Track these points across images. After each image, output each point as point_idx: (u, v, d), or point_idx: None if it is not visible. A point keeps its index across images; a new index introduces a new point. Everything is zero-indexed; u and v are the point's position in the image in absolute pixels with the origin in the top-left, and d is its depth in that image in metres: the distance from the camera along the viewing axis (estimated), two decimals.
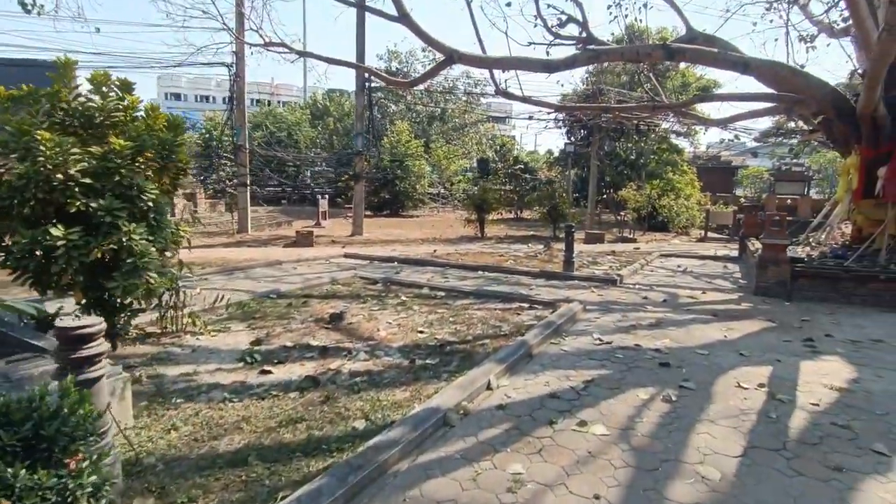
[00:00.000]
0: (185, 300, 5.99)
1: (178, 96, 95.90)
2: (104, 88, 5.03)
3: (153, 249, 4.75)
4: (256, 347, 5.42)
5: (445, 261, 12.22)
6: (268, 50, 11.88)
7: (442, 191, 41.15)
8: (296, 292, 8.31)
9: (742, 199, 38.31)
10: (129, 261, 4.54)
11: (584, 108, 14.01)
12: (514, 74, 11.90)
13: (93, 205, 4.37)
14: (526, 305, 7.64)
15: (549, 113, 18.47)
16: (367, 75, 17.16)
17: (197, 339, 5.72)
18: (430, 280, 9.85)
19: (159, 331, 5.88)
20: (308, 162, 36.47)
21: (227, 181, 38.85)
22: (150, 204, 4.88)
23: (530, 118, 18.16)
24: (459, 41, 10.47)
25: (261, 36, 11.86)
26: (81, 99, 4.98)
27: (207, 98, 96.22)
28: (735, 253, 15.13)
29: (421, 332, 6.11)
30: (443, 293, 8.45)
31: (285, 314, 6.87)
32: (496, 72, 11.52)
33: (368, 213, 34.26)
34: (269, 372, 4.71)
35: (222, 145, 20.26)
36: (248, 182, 17.85)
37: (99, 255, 4.35)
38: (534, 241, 17.72)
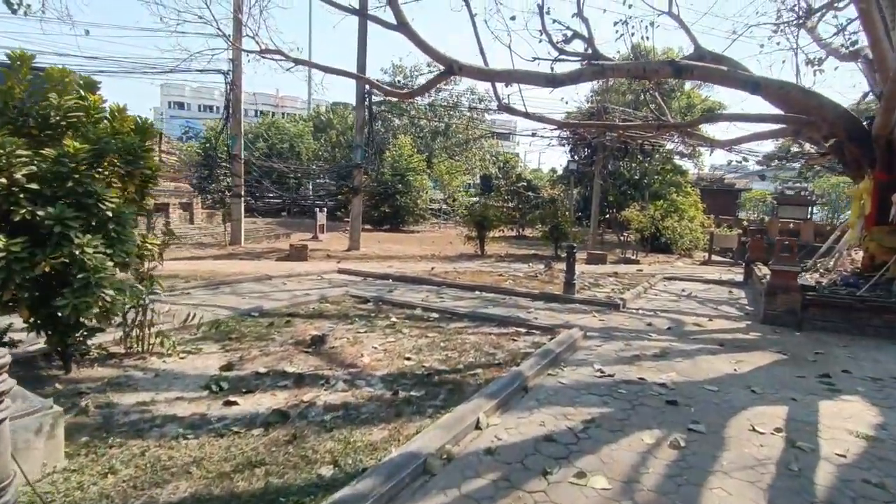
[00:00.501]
0: (154, 318, 5.55)
1: (181, 105, 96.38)
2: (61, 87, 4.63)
3: (110, 264, 4.33)
4: (226, 373, 4.97)
5: (442, 279, 11.78)
6: (263, 57, 11.55)
7: (444, 206, 40.82)
8: (280, 310, 7.87)
9: (745, 222, 37.94)
10: (80, 276, 4.12)
11: (588, 126, 13.66)
12: (517, 89, 11.55)
13: (40, 213, 3.95)
14: (523, 330, 7.19)
15: (552, 129, 18.15)
16: (367, 87, 16.87)
17: (164, 361, 5.27)
18: (425, 300, 9.41)
19: (123, 351, 5.43)
20: (307, 174, 36.15)
21: (227, 191, 38.66)
22: (110, 214, 4.46)
23: (533, 135, 17.85)
24: (461, 55, 10.16)
25: (257, 42, 11.53)
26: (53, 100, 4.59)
27: (211, 107, 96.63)
28: (740, 277, 14.68)
29: (408, 358, 5.65)
30: (436, 315, 8.00)
31: (264, 335, 6.42)
32: (499, 86, 11.20)
33: (368, 227, 33.92)
34: (235, 403, 4.25)
35: (220, 155, 19.92)
36: (242, 193, 17.44)
37: (46, 269, 3.93)
38: (535, 261, 17.28)
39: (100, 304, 4.29)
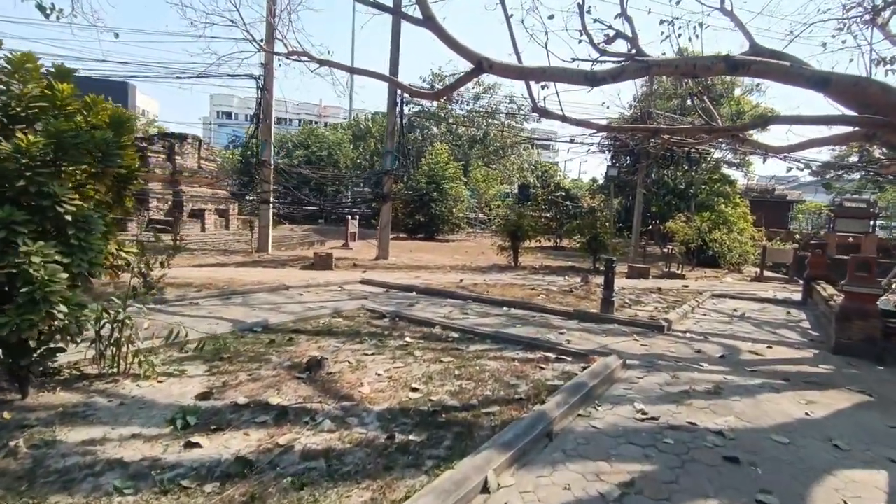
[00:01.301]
0: (134, 335, 4.94)
1: (229, 115, 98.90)
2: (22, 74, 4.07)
3: (64, 276, 3.71)
4: (201, 403, 4.30)
5: (469, 293, 11.00)
6: (290, 59, 11.07)
7: (481, 215, 40.03)
8: (287, 325, 7.22)
9: (797, 235, 35.91)
10: (24, 290, 3.51)
11: (631, 129, 12.69)
12: (553, 91, 10.73)
13: None
14: (552, 356, 6.33)
15: (591, 134, 17.17)
16: (399, 92, 16.29)
17: (137, 385, 4.64)
18: (447, 316, 8.64)
19: (97, 372, 4.83)
20: (336, 180, 35.92)
21: (287, 199, 38.78)
22: (69, 218, 3.86)
23: (571, 141, 16.94)
24: (494, 56, 9.36)
25: (284, 45, 11.09)
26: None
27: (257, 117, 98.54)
28: (797, 296, 13.41)
29: (415, 389, 4.88)
30: (456, 335, 7.21)
31: (260, 355, 5.76)
32: (534, 88, 10.40)
33: (403, 235, 33.42)
34: (198, 445, 3.56)
35: (258, 161, 19.60)
36: (271, 199, 17.05)
37: None
38: (571, 273, 16.31)
39: (49, 322, 3.68)
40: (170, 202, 25.49)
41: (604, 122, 21.28)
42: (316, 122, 71.48)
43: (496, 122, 43.72)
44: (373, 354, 5.98)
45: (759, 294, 13.66)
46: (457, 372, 5.47)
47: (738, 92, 29.07)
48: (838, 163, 23.64)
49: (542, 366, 5.90)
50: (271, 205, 17.16)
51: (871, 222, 35.50)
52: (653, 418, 4.58)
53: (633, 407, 4.83)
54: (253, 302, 9.05)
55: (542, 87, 10.60)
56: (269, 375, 5.08)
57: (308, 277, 12.35)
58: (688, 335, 8.15)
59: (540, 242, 28.85)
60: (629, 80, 8.87)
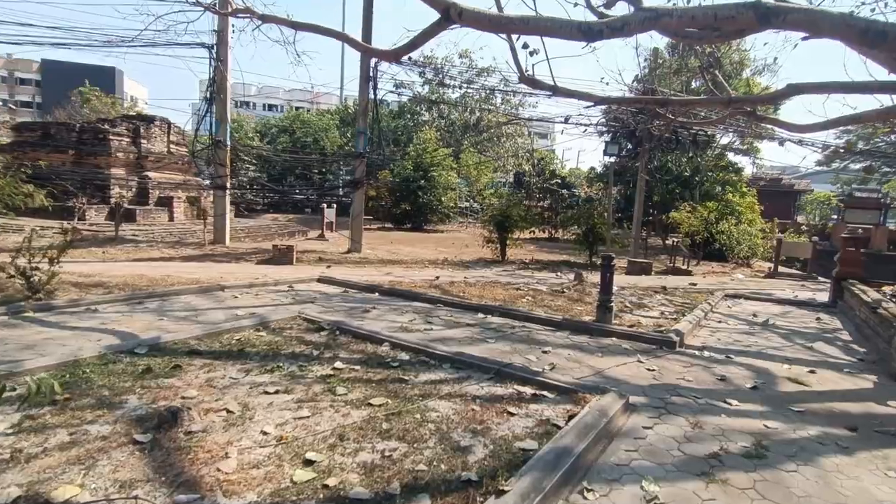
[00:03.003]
0: None
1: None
2: None
3: None
4: None
5: (441, 294, 9.34)
6: (230, 16, 9.34)
7: (473, 205, 38.28)
8: (186, 344, 5.52)
9: (803, 227, 34.31)
10: None
11: (634, 102, 10.99)
12: (543, 59, 9.00)
13: None
14: (528, 392, 4.65)
15: (586, 107, 15.33)
16: (373, 64, 14.53)
17: None
18: (406, 326, 6.96)
19: None
20: (323, 165, 34.12)
21: (248, 186, 37.00)
22: None
23: (566, 120, 15.19)
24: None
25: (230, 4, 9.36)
26: None
27: (247, 103, 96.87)
28: (821, 296, 11.80)
29: (310, 462, 3.20)
30: (406, 356, 5.52)
31: (115, 395, 4.07)
32: (521, 55, 8.67)
33: (389, 225, 31.68)
34: None
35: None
36: (227, 185, 15.30)
37: None
38: (565, 269, 14.64)
39: None
40: (134, 189, 23.74)
41: (603, 106, 19.46)
42: (308, 109, 69.60)
43: (490, 107, 41.88)
44: (275, 393, 4.28)
45: (776, 294, 12.00)
46: (385, 425, 3.78)
47: (747, 73, 27.30)
48: (842, 150, 21.81)
49: (512, 409, 4.21)
50: (227, 192, 15.37)
51: (883, 213, 33.93)
52: None
53: (641, 489, 3.16)
54: (169, 308, 7.35)
55: (531, 54, 8.87)
56: (96, 437, 3.38)
57: (259, 274, 10.66)
58: (705, 353, 6.47)
59: (534, 234, 27.18)
60: (633, 34, 7.06)
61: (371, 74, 14.58)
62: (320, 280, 10.39)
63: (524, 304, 8.91)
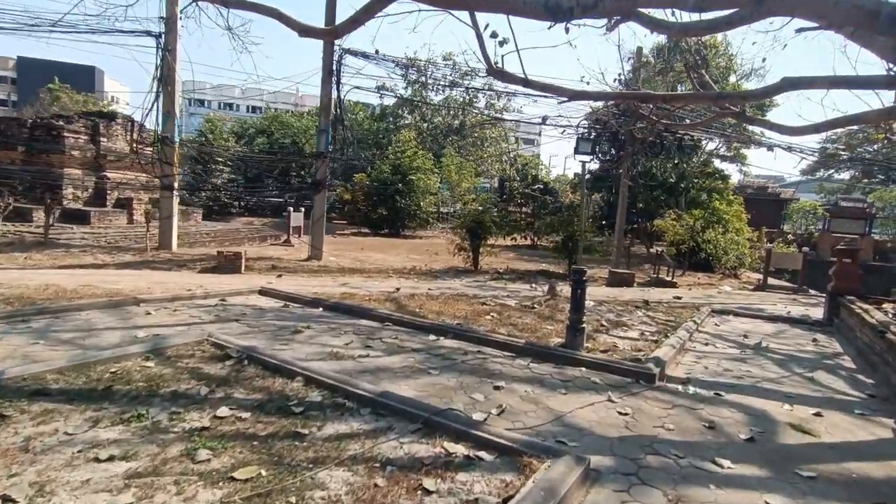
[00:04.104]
0: None
1: (201, 102, 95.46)
2: None
3: None
4: None
5: (396, 309, 8.24)
6: None
7: (455, 210, 37.24)
8: (40, 379, 4.35)
9: (790, 236, 33.65)
10: None
11: (615, 98, 10.01)
12: (513, 49, 7.98)
13: None
14: (460, 452, 3.55)
15: (560, 103, 14.34)
16: (336, 57, 13.45)
17: None
18: (337, 353, 5.84)
19: None
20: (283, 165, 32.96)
21: (220, 189, 35.67)
22: None
23: (544, 121, 14.21)
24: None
25: None
26: None
27: (231, 105, 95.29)
28: (815, 312, 10.87)
29: None
30: (317, 397, 4.41)
31: None
32: (489, 44, 7.62)
33: (366, 231, 30.50)
34: None
35: (156, 138, 16.19)
36: (175, 186, 14.10)
37: None
38: (541, 280, 13.61)
39: None
40: (90, 190, 22.39)
41: (587, 112, 18.50)
42: (291, 112, 68.33)
43: (473, 110, 40.93)
44: (108, 461, 3.14)
45: (767, 309, 11.04)
46: None
47: (733, 79, 26.56)
48: (823, 162, 21.10)
49: (431, 484, 3.11)
50: (175, 193, 14.15)
51: (868, 223, 33.36)
52: None
53: None
54: (56, 328, 6.17)
55: (500, 44, 7.83)
56: None
57: (196, 284, 9.48)
58: (690, 388, 5.41)
59: (515, 241, 26.17)
60: (610, 15, 5.95)
61: (334, 68, 13.49)
62: (261, 292, 9.24)
63: (487, 322, 7.83)
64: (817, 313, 10.67)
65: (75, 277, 9.57)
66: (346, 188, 29.76)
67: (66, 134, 21.33)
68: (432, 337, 6.83)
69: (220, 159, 36.83)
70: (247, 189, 33.82)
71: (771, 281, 16.24)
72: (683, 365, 6.36)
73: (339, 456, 3.40)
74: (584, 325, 6.59)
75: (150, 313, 7.19)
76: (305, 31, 7.33)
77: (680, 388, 5.39)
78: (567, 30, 6.47)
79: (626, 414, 4.55)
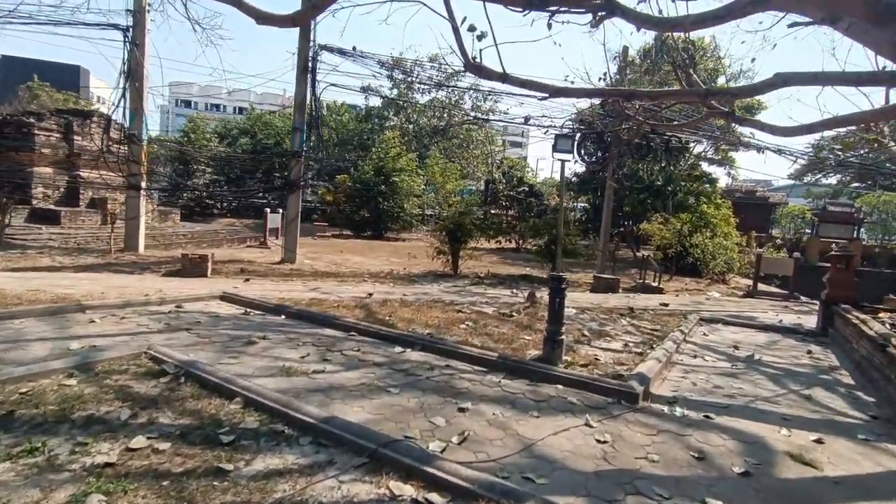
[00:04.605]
0: None
1: (188, 103, 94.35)
2: None
3: None
4: None
5: (365, 317, 7.70)
6: None
7: (440, 212, 36.75)
8: None
9: (778, 240, 33.48)
10: None
11: (598, 94, 9.56)
12: (491, 44, 7.48)
13: None
14: (408, 494, 3.02)
15: (541, 99, 13.82)
16: (311, 53, 12.89)
17: None
18: (289, 367, 5.27)
19: None
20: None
21: (200, 189, 34.86)
22: None
23: (526, 121, 13.72)
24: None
25: None
26: None
27: (218, 106, 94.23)
28: (808, 321, 10.46)
29: None
30: (254, 422, 3.85)
31: None
32: (466, 39, 7.13)
33: (348, 233, 29.88)
34: None
35: (125, 136, 15.46)
36: (142, 185, 13.45)
37: None
38: (524, 285, 13.11)
39: None
40: (62, 189, 21.61)
41: (573, 113, 18.02)
42: (276, 113, 67.63)
43: (457, 111, 40.43)
44: None
45: (759, 317, 10.61)
46: None
47: (721, 81, 26.29)
48: (810, 166, 20.85)
49: None
50: (142, 193, 13.49)
51: (856, 228, 33.27)
52: None
53: None
54: None
55: (478, 38, 7.31)
56: None
57: (155, 289, 8.87)
58: (677, 409, 4.90)
59: (500, 243, 25.71)
60: (588, 6, 5.40)
61: (308, 66, 12.92)
62: (223, 298, 8.65)
63: (461, 331, 7.30)
64: (810, 322, 10.25)
65: (25, 281, 8.92)
66: (329, 189, 29.15)
67: (36, 131, 20.56)
68: (398, 349, 6.29)
69: (201, 160, 36.11)
70: (229, 190, 33.07)
71: (761, 287, 15.85)
72: (670, 381, 5.87)
73: (262, 501, 2.85)
74: (563, 336, 6.08)
75: (93, 321, 6.59)
76: (263, 17, 6.78)
77: (666, 409, 4.88)
78: (549, 25, 5.98)
79: (604, 442, 4.04)
